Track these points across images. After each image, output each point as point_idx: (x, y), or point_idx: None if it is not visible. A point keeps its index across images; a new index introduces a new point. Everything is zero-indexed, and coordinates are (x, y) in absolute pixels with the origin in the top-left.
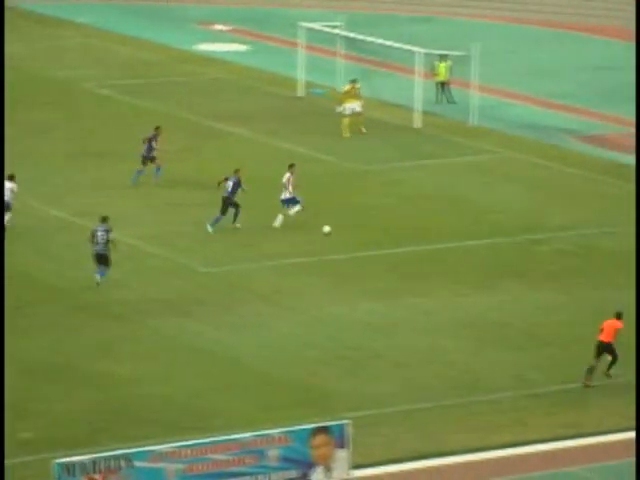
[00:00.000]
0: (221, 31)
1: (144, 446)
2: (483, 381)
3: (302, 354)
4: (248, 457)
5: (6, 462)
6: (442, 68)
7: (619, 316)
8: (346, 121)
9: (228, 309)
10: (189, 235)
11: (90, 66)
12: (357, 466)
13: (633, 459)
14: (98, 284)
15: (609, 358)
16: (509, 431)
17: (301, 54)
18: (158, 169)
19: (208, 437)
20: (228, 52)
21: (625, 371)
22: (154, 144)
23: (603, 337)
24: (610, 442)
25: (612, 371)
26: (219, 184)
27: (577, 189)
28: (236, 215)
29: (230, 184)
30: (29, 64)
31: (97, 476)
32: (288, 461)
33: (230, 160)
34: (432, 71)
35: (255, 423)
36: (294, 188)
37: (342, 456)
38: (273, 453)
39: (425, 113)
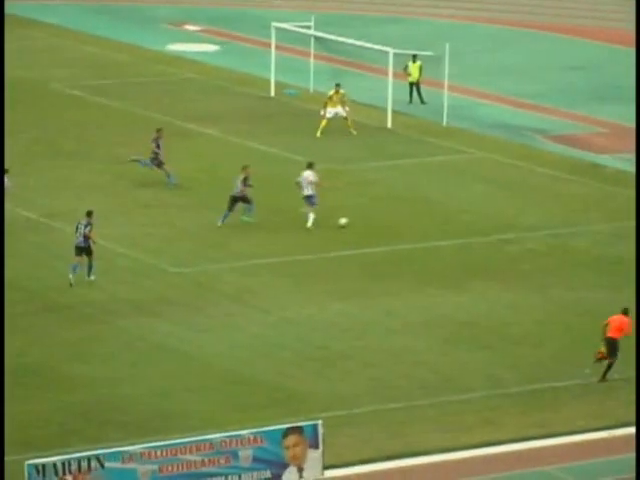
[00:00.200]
0: (192, 31)
1: (116, 447)
2: (454, 381)
3: (272, 354)
4: (221, 458)
5: None
6: (414, 68)
7: (626, 312)
8: (324, 122)
9: (198, 309)
10: (159, 236)
11: (60, 66)
12: (328, 466)
13: (603, 459)
14: (71, 285)
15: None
16: (480, 431)
17: (272, 54)
18: (169, 175)
19: (180, 438)
20: (199, 52)
21: (595, 371)
22: (159, 146)
23: (612, 333)
24: (581, 442)
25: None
26: (234, 181)
27: (548, 189)
28: (249, 209)
29: (238, 181)
30: None
31: (69, 477)
32: (261, 462)
33: (201, 161)
34: (405, 71)
35: (226, 424)
36: (316, 187)
37: (315, 456)
38: (246, 453)
39: (397, 113)
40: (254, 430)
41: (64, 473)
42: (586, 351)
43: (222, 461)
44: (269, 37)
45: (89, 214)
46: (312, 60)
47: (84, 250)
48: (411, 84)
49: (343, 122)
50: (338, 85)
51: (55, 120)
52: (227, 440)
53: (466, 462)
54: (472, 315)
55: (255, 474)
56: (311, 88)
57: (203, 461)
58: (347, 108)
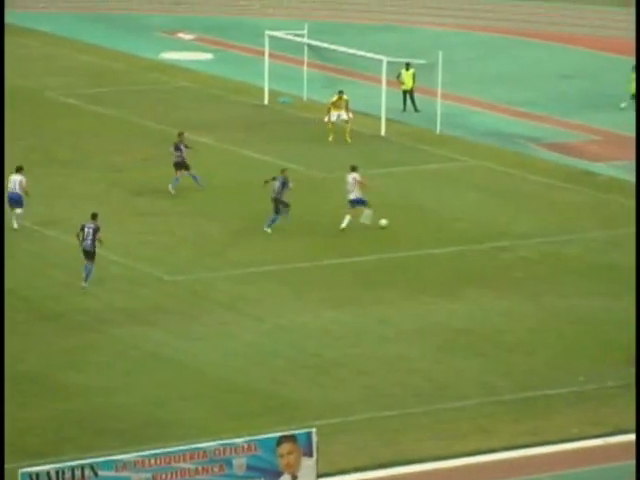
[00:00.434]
0: (186, 40)
1: (110, 455)
2: (448, 389)
3: (266, 362)
4: (215, 466)
5: None
6: (407, 76)
7: None
8: (330, 126)
9: (193, 318)
10: (154, 244)
11: (55, 75)
12: (322, 475)
13: (598, 467)
14: (84, 289)
15: None
16: (474, 439)
17: (266, 62)
18: (195, 177)
19: (174, 446)
20: (193, 61)
21: (589, 378)
22: (182, 150)
23: None
24: (575, 449)
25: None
26: (265, 183)
27: (541, 196)
28: (284, 215)
29: (277, 184)
30: None
31: None
32: (255, 470)
33: (196, 169)
34: (398, 79)
35: (220, 432)
36: (362, 189)
37: (309, 464)
38: (240, 462)
39: (390, 121)
40: (248, 438)
41: None
42: (580, 359)
43: (216, 469)
44: (263, 45)
45: (94, 217)
46: (305, 68)
47: (90, 254)
48: (404, 92)
49: (343, 126)
50: (341, 92)
51: (50, 128)
52: (221, 448)
53: (460, 470)
54: (466, 323)
55: None
56: (305, 96)
57: (197, 469)
58: (350, 115)
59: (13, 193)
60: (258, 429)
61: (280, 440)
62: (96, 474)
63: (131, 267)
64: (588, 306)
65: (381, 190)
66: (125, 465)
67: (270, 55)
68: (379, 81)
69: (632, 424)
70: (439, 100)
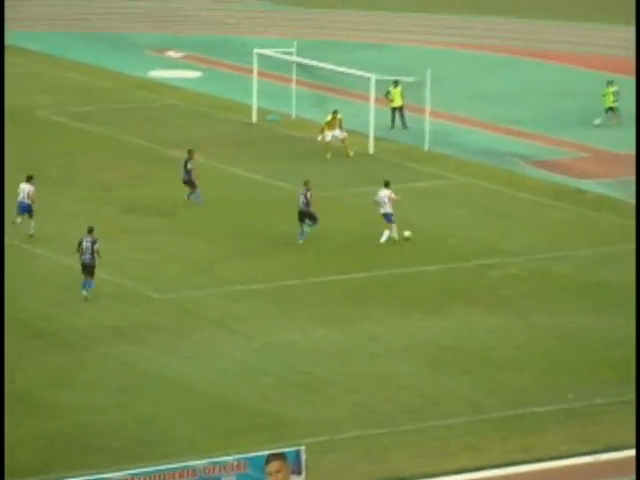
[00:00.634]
0: (174, 58)
1: (100, 474)
2: (437, 406)
3: (256, 380)
4: None
5: None
6: (396, 94)
7: None
8: (327, 145)
9: (182, 335)
10: (144, 262)
11: (45, 93)
12: None
13: None
14: (86, 299)
15: None
16: (463, 456)
17: (255, 80)
18: (197, 194)
19: (164, 464)
20: (181, 79)
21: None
22: (190, 167)
23: None
24: (565, 467)
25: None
26: (299, 197)
27: (530, 214)
28: (310, 225)
29: (302, 197)
30: None
31: None
32: None
33: (183, 187)
34: (386, 97)
35: (210, 450)
36: (393, 204)
37: None
38: None
39: (379, 139)
40: (237, 456)
41: None
42: (568, 376)
43: None
44: (251, 63)
45: (91, 231)
46: (294, 86)
47: (89, 267)
48: (393, 109)
49: (340, 144)
50: (335, 112)
51: (40, 147)
52: (211, 466)
53: None
54: (454, 340)
55: None
56: (293, 114)
57: None
58: (345, 133)
59: (22, 202)
60: (247, 447)
61: (269, 458)
62: None
63: (120, 285)
64: (577, 323)
65: (370, 208)
66: None
67: (259, 73)
68: (367, 99)
69: (621, 441)
70: (427, 118)
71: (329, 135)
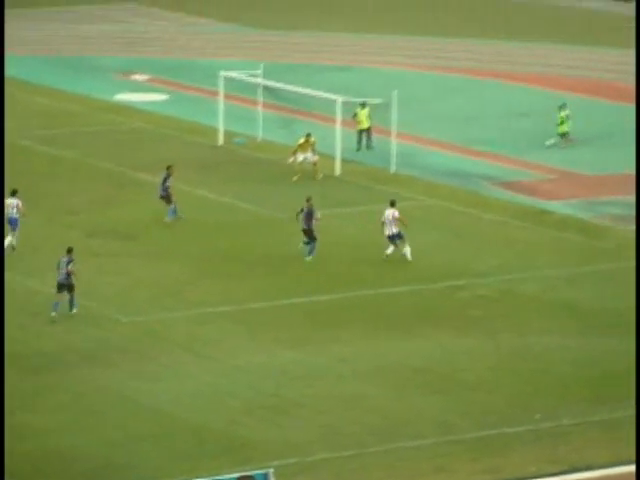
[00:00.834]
0: (140, 81)
1: None
2: (405, 427)
3: (223, 403)
4: None
5: None
6: (363, 115)
7: None
8: (297, 167)
9: (150, 358)
10: (111, 285)
11: (10, 117)
12: None
13: None
14: (54, 321)
15: None
16: (432, 477)
17: (221, 103)
18: (173, 210)
19: None
20: (148, 102)
21: (546, 416)
22: (168, 183)
23: None
24: None
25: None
26: (297, 215)
27: (497, 235)
28: (307, 243)
29: (303, 215)
30: None
31: None
32: None
33: (150, 210)
34: (354, 119)
35: (177, 473)
36: (402, 224)
37: None
38: None
39: (345, 161)
40: (206, 479)
41: None
42: (537, 396)
43: None
44: (217, 86)
45: (69, 251)
46: (260, 109)
47: (66, 287)
48: (360, 131)
49: (311, 167)
50: (309, 134)
51: (6, 170)
52: None
53: None
54: (424, 361)
55: None
56: (259, 137)
57: None
58: (317, 156)
59: (12, 217)
60: (216, 470)
61: None
62: None
63: (89, 308)
64: (546, 344)
65: (337, 230)
66: None
67: (225, 96)
68: (334, 121)
69: (590, 461)
70: (394, 139)
71: (301, 157)
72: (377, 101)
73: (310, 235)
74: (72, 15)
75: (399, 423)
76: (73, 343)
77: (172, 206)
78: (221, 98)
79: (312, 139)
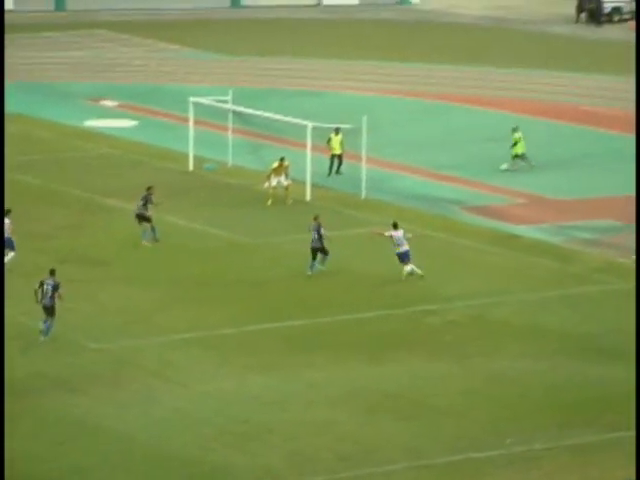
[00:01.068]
0: (109, 107)
1: None
2: (376, 453)
3: (193, 429)
4: None
5: None
6: (336, 141)
7: None
8: (271, 191)
9: (118, 385)
10: (80, 311)
11: None
12: None
13: None
14: (41, 331)
15: None
16: None
17: (191, 129)
18: (153, 229)
19: None
20: (117, 128)
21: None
22: (149, 204)
23: None
24: None
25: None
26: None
27: (467, 260)
28: (323, 260)
29: (314, 233)
30: None
31: None
32: None
33: (121, 236)
34: (328, 144)
35: None
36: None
37: None
38: None
39: (315, 186)
40: None
41: None
42: (508, 421)
43: None
44: (187, 112)
45: (52, 273)
46: (230, 134)
47: (49, 310)
48: (333, 157)
49: (283, 191)
50: (282, 158)
51: None
52: None
53: None
54: (394, 386)
55: None
56: (230, 162)
57: None
58: (290, 180)
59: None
60: None
61: None
62: None
63: (57, 335)
64: (516, 368)
65: (307, 256)
66: None
67: (195, 121)
68: (304, 146)
69: None
70: (364, 165)
71: (275, 180)
72: (347, 126)
73: (322, 251)
74: (41, 41)
75: (370, 449)
76: (42, 370)
77: (150, 226)
78: (191, 124)
79: (286, 163)
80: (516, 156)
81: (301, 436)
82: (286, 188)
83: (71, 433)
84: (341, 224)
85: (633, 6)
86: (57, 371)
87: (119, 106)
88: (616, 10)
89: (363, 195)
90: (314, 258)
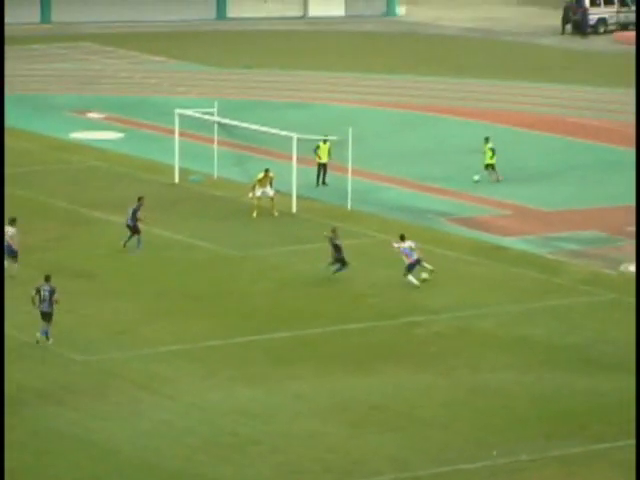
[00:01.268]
0: (95, 119)
1: None
2: (361, 464)
3: (180, 441)
4: None
5: None
6: (323, 150)
7: None
8: (255, 202)
9: (104, 397)
10: (64, 324)
11: None
12: None
13: None
14: (38, 342)
15: None
16: None
17: (176, 141)
18: (139, 241)
19: None
20: (103, 140)
21: (501, 452)
22: (138, 214)
23: None
24: None
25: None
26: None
27: (453, 271)
28: (339, 269)
29: (330, 247)
30: None
31: None
32: None
33: (106, 248)
34: (316, 152)
35: None
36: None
37: None
38: None
39: (301, 198)
40: None
41: None
42: (493, 433)
43: None
44: (173, 124)
45: (48, 279)
46: (216, 146)
47: (47, 315)
48: (320, 165)
49: (269, 202)
50: (267, 169)
51: None
52: None
53: None
54: (380, 398)
55: None
56: (215, 174)
57: None
58: (274, 191)
59: (7, 245)
60: None
61: None
62: None
63: (42, 347)
64: (501, 380)
65: (292, 267)
66: None
67: (180, 133)
68: (290, 158)
69: None
70: (350, 176)
71: (259, 191)
72: (333, 138)
73: (341, 261)
74: (27, 53)
75: (355, 460)
76: (27, 382)
77: (138, 237)
78: (177, 136)
79: (271, 174)
80: (487, 166)
81: (288, 448)
82: (272, 199)
83: (57, 445)
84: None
85: (619, 17)
86: (43, 383)
87: (105, 118)
88: (602, 21)
89: (349, 207)
90: (341, 264)
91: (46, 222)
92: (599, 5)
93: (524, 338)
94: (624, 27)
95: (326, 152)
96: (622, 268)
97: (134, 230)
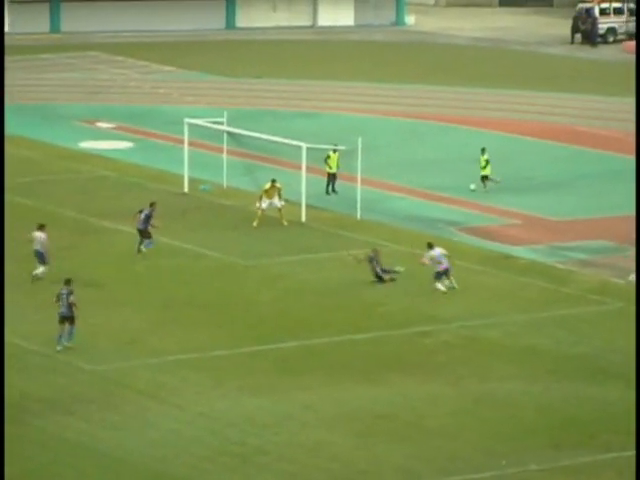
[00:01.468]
0: (105, 129)
1: None
2: (368, 475)
3: (187, 450)
4: None
5: None
6: (333, 160)
7: None
8: (259, 212)
9: (112, 407)
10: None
11: None
12: None
13: None
14: (58, 351)
15: None
16: None
17: (186, 150)
18: (150, 242)
19: None
20: (112, 149)
21: (510, 462)
22: (152, 222)
23: None
24: None
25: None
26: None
27: (462, 281)
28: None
29: (368, 265)
30: None
31: None
32: None
33: (115, 257)
34: (326, 162)
35: None
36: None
37: None
38: None
39: (310, 207)
40: None
41: None
42: (502, 442)
43: None
44: (182, 133)
45: (68, 282)
46: (225, 155)
47: (67, 319)
48: (329, 175)
49: (277, 213)
50: (274, 180)
51: None
52: None
53: None
54: (388, 408)
55: None
56: (225, 184)
57: None
58: (282, 202)
59: (38, 250)
60: None
61: None
62: None
63: (51, 356)
64: (509, 390)
65: (301, 277)
66: None
67: (190, 143)
68: (299, 167)
69: None
70: (359, 186)
71: (266, 202)
72: (342, 148)
73: (379, 279)
74: (35, 63)
75: (363, 470)
76: (35, 391)
77: (147, 241)
78: (186, 145)
79: (278, 185)
80: (484, 177)
81: (294, 458)
82: (279, 210)
83: (65, 455)
84: (336, 245)
85: (628, 27)
86: (51, 393)
87: (114, 128)
88: (611, 31)
89: (358, 216)
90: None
91: (54, 231)
92: (608, 15)
93: (532, 347)
94: (633, 37)
95: (334, 161)
96: (631, 277)
97: (144, 234)
